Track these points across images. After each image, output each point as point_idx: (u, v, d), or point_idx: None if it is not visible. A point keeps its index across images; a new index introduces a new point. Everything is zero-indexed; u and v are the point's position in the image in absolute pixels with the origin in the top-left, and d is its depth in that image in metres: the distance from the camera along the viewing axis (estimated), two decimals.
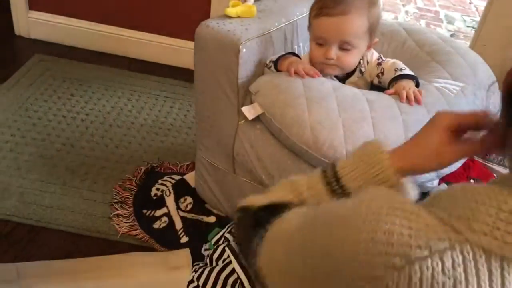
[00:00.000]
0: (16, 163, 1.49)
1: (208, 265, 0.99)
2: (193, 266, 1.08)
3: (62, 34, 2.09)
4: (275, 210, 0.62)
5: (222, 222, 1.31)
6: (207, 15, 1.92)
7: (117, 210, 1.35)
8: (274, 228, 0.59)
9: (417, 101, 1.04)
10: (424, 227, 0.46)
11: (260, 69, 1.17)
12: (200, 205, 1.36)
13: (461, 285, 0.43)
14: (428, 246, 0.44)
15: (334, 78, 1.13)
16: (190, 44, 1.99)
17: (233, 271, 0.91)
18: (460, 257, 0.44)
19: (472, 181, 1.22)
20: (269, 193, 0.67)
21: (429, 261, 0.44)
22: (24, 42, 2.11)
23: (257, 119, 1.10)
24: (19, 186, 1.40)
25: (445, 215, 0.47)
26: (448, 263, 0.44)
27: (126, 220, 1.32)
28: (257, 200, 0.66)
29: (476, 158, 1.28)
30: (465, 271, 0.43)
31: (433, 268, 0.44)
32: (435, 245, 0.44)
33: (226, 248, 0.93)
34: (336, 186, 0.64)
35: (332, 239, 0.50)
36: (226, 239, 0.95)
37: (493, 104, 1.17)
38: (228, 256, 0.93)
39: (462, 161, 1.06)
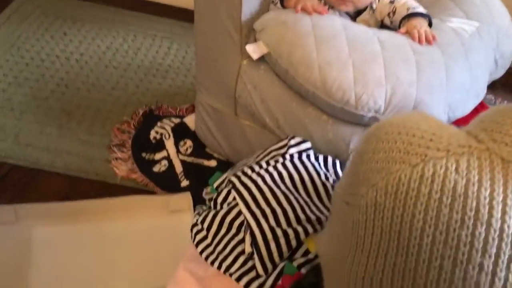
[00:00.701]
0: (9, 104, 1.44)
1: (212, 208, 0.97)
2: (195, 210, 1.07)
3: None
4: None
5: (223, 166, 1.28)
6: None
7: (116, 153, 1.32)
8: None
9: (428, 42, 0.99)
10: (447, 135, 0.47)
11: (266, 5, 1.11)
12: (200, 149, 1.33)
13: (473, 187, 0.43)
14: (446, 149, 0.45)
15: (345, 15, 1.07)
16: None
17: (238, 214, 0.89)
18: (477, 162, 0.44)
19: None
20: None
21: (444, 160, 0.44)
22: None
23: (262, 59, 1.05)
24: (14, 128, 1.36)
25: (472, 128, 0.48)
26: (463, 165, 0.44)
27: (125, 163, 1.30)
28: None
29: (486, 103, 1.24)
30: (479, 174, 0.43)
31: (446, 167, 0.44)
32: (454, 149, 0.45)
33: (232, 191, 0.91)
34: None
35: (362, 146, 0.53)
36: (231, 182, 0.93)
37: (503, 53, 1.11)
38: (234, 199, 0.90)
39: (474, 104, 1.02)
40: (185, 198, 1.18)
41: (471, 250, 0.42)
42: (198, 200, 1.18)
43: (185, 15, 1.85)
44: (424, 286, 0.45)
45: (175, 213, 1.17)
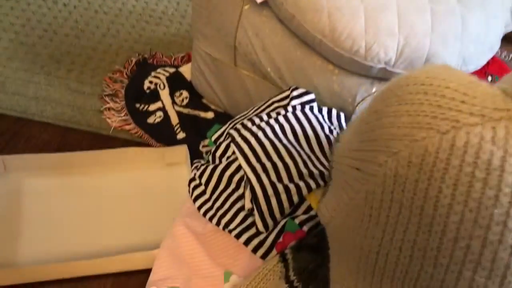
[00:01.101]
0: None
1: (211, 162, 0.93)
2: (192, 164, 1.03)
3: None
4: None
5: (220, 118, 1.23)
6: None
7: (108, 103, 1.26)
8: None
9: None
10: (481, 95, 0.40)
11: None
12: (197, 100, 1.28)
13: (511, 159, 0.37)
14: (481, 114, 0.38)
15: None
16: None
17: (238, 168, 0.85)
18: None
19: (489, 77, 1.15)
20: None
21: (479, 128, 0.38)
22: None
23: (265, 3, 0.98)
24: (0, 75, 1.30)
25: (509, 86, 0.40)
26: (501, 133, 0.37)
27: (118, 114, 1.24)
28: None
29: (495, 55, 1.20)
30: None
31: (482, 137, 0.38)
32: (490, 113, 0.38)
33: (231, 144, 0.86)
34: None
35: (381, 105, 0.45)
36: (230, 135, 0.88)
37: None
38: (233, 153, 0.86)
39: (488, 58, 0.97)
40: (181, 151, 1.14)
41: (504, 231, 0.37)
42: (195, 153, 1.13)
43: None
44: (447, 266, 0.40)
45: (171, 166, 1.13)
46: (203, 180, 0.88)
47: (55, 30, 1.46)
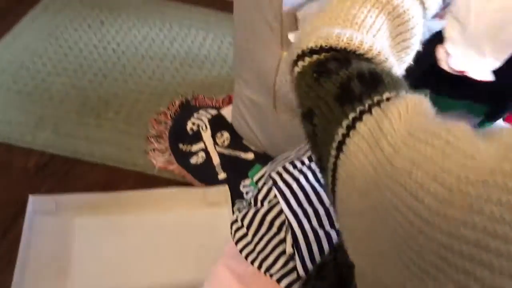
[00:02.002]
0: (48, 93, 1.45)
1: (253, 205, 0.95)
2: (233, 204, 1.05)
3: None
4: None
5: (260, 159, 1.26)
6: None
7: (153, 144, 1.32)
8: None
9: None
10: None
11: None
12: (237, 141, 1.32)
13: None
14: None
15: None
16: None
17: (280, 212, 0.87)
18: None
19: None
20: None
21: None
22: None
23: None
24: (53, 117, 1.38)
25: None
26: None
27: (163, 154, 1.29)
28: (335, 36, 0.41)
29: None
30: None
31: None
32: None
33: (273, 188, 0.89)
34: None
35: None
36: (272, 179, 0.91)
37: None
38: (275, 197, 0.88)
39: None
40: (223, 191, 1.17)
41: None
42: (235, 193, 1.16)
43: (221, 4, 1.83)
44: None
45: (212, 206, 1.16)
46: (245, 222, 0.90)
47: (105, 74, 1.55)
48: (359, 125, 0.35)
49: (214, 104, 1.46)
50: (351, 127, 0.35)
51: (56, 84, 1.48)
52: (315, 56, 0.41)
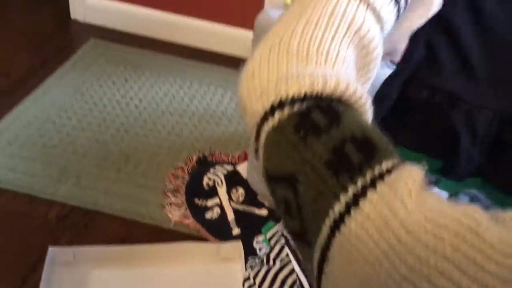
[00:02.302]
0: (73, 147, 1.51)
1: (265, 263, 0.97)
2: (246, 260, 1.07)
3: (116, 19, 2.11)
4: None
5: (274, 216, 1.29)
6: (261, 4, 1.89)
7: (170, 198, 1.36)
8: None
9: None
10: None
11: None
12: (252, 197, 1.35)
13: None
14: None
15: None
16: (243, 32, 1.98)
17: (292, 271, 0.89)
18: None
19: None
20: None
21: None
22: (79, 26, 2.15)
23: None
24: (75, 170, 1.43)
25: None
26: None
27: (179, 208, 1.33)
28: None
29: None
30: None
31: None
32: None
33: (285, 246, 0.91)
34: None
35: None
36: (284, 237, 0.93)
37: None
38: (287, 255, 0.91)
39: None
40: (236, 247, 1.19)
41: None
42: (249, 249, 1.18)
43: (239, 64, 1.92)
44: None
45: (226, 261, 1.18)
46: (257, 280, 0.92)
47: (127, 129, 1.61)
48: (363, 203, 0.30)
49: (230, 160, 1.50)
50: (351, 204, 0.31)
51: (80, 138, 1.55)
52: (296, 106, 0.35)
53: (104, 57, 1.94)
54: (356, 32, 0.42)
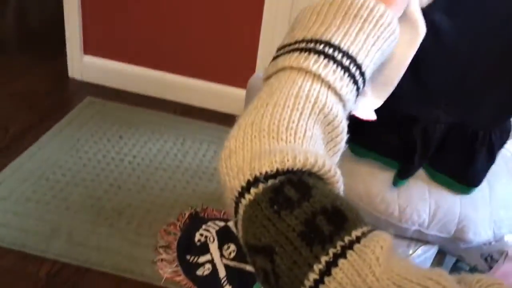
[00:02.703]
0: (65, 203, 1.53)
1: None
2: None
3: (112, 77, 2.18)
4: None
5: None
6: (253, 64, 1.97)
7: (161, 254, 1.36)
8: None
9: None
10: None
11: None
12: (243, 253, 1.35)
13: None
14: None
15: None
16: (234, 90, 2.05)
17: None
18: None
19: None
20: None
21: None
22: (76, 84, 2.21)
23: None
24: (67, 226, 1.44)
25: None
26: None
27: (170, 265, 1.33)
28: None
29: None
30: None
31: None
32: None
33: None
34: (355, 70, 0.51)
35: None
36: None
37: None
38: None
39: None
40: None
41: None
42: None
43: (232, 121, 1.97)
44: None
45: None
46: None
47: (120, 185, 1.63)
48: (335, 271, 0.33)
49: (222, 216, 1.52)
50: (324, 272, 0.33)
51: (73, 195, 1.56)
52: (270, 181, 0.39)
53: (100, 115, 1.99)
54: (320, 111, 0.47)
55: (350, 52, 0.51)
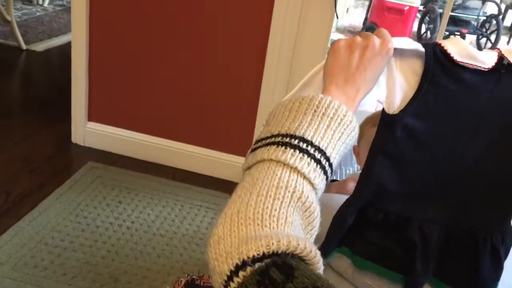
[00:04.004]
0: (63, 268, 1.54)
1: None
2: None
3: (113, 143, 2.24)
4: None
5: None
6: (251, 132, 2.04)
7: None
8: None
9: None
10: None
11: None
12: None
13: None
14: None
15: None
16: (232, 157, 2.11)
17: None
18: None
19: None
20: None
21: None
22: (79, 150, 2.27)
23: None
24: None
25: None
26: None
27: None
28: None
29: None
30: None
31: None
32: None
33: None
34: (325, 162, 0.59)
35: None
36: None
37: None
38: None
39: None
40: None
41: None
42: None
43: (229, 188, 2.01)
44: None
45: None
46: None
47: (117, 251, 1.65)
48: None
49: None
50: None
51: (70, 260, 1.58)
52: (257, 265, 0.43)
53: (100, 180, 2.03)
54: (298, 199, 0.54)
55: (320, 146, 0.59)
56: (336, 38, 0.75)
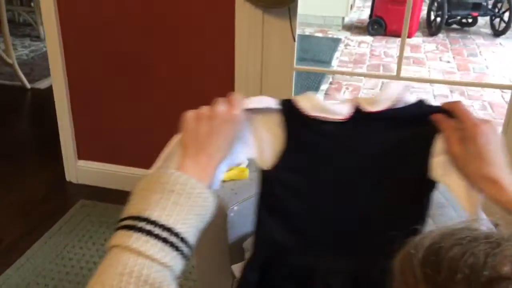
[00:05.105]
0: None
1: None
2: None
3: (104, 178, 2.30)
4: None
5: None
6: None
7: None
8: None
9: None
10: None
11: None
12: None
13: None
14: None
15: None
16: None
17: None
18: None
19: None
20: None
21: None
22: (72, 188, 2.34)
23: None
24: None
25: None
26: None
27: None
28: None
29: None
30: None
31: None
32: None
33: None
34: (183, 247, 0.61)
35: None
36: None
37: None
38: None
39: None
40: None
41: None
42: None
43: None
44: None
45: None
46: None
47: None
48: None
49: None
50: None
51: None
52: None
53: (89, 218, 2.09)
54: (145, 282, 0.55)
55: (166, 224, 0.60)
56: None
